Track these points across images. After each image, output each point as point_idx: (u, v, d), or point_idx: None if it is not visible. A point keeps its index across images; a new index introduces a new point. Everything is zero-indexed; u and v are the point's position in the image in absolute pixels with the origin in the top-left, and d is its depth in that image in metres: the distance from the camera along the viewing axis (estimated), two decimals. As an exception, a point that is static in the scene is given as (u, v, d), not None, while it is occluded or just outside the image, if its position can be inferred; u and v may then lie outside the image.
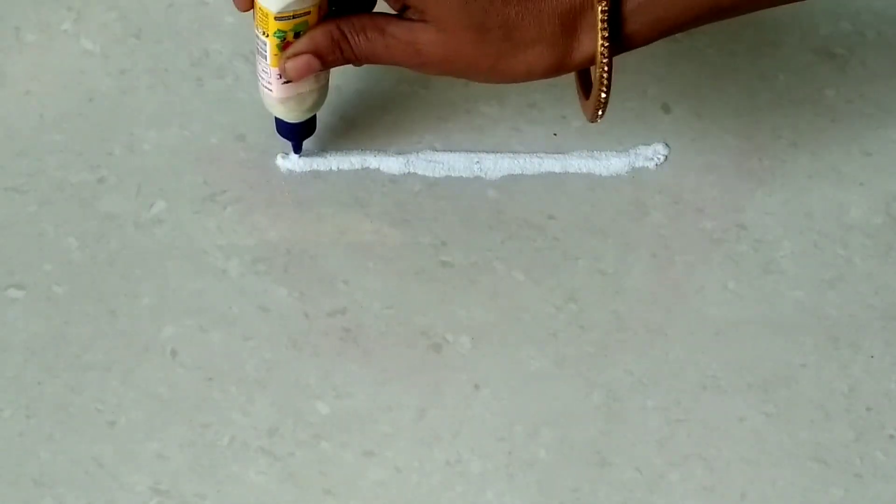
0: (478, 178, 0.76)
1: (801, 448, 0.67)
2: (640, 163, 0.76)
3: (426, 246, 0.73)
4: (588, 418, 0.67)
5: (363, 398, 0.68)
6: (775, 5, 0.68)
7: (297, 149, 0.75)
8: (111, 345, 0.69)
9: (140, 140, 0.76)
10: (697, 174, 0.76)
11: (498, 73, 0.66)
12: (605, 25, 0.63)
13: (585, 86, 0.68)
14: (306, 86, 0.70)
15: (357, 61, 0.68)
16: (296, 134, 0.74)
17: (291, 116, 0.72)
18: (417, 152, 0.76)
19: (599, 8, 0.63)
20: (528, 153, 0.76)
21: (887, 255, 0.73)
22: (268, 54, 0.68)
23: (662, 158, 0.77)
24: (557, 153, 0.76)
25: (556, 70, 0.66)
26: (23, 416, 0.66)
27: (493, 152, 0.76)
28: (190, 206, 0.74)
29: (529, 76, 0.66)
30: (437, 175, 0.75)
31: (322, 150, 0.76)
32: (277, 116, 0.72)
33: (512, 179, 0.75)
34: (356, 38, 0.66)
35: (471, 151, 0.76)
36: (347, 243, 0.73)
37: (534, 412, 0.67)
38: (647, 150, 0.77)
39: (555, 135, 0.77)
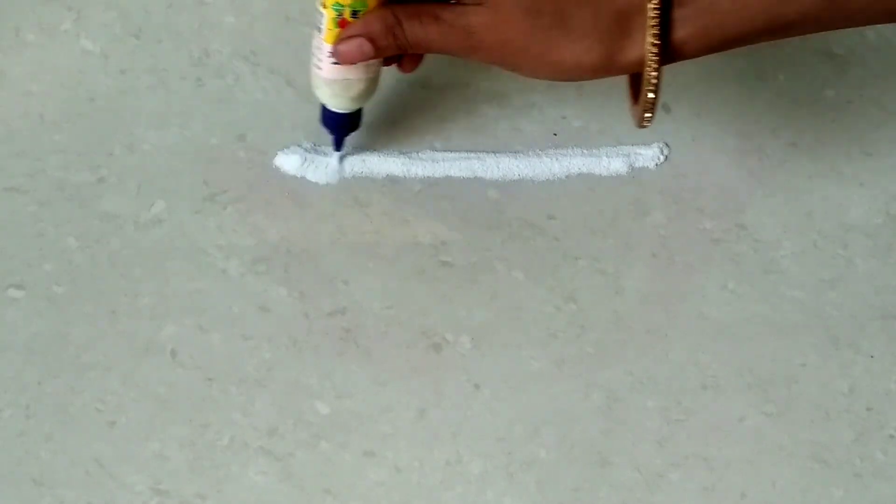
0: (478, 178, 0.76)
1: (801, 448, 0.67)
2: (640, 163, 0.76)
3: (426, 246, 0.73)
4: (588, 418, 0.67)
5: (363, 398, 0.68)
6: (841, 27, 0.66)
7: (339, 145, 0.74)
8: (111, 345, 0.69)
9: (140, 140, 0.76)
10: (697, 174, 0.76)
11: (547, 64, 0.65)
12: (655, 24, 0.63)
13: (636, 91, 0.67)
14: (356, 73, 0.69)
15: (409, 49, 0.67)
16: (338, 125, 0.73)
17: (336, 103, 0.71)
18: (417, 152, 0.76)
19: (650, 6, 0.62)
20: (528, 153, 0.76)
21: (887, 255, 0.73)
22: (323, 27, 0.68)
23: (662, 158, 0.77)
24: (557, 153, 0.76)
25: (604, 68, 0.65)
26: (23, 416, 0.66)
27: (493, 152, 0.76)
28: (190, 206, 0.74)
29: (577, 71, 0.65)
30: (437, 175, 0.75)
31: (322, 150, 0.76)
32: (323, 102, 0.71)
33: (512, 179, 0.75)
34: (411, 24, 0.66)
35: (471, 151, 0.76)
36: (347, 243, 0.73)
37: (534, 412, 0.67)
38: (647, 150, 0.77)
39: (555, 135, 0.77)
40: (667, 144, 0.77)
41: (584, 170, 0.76)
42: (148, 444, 0.66)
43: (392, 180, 0.75)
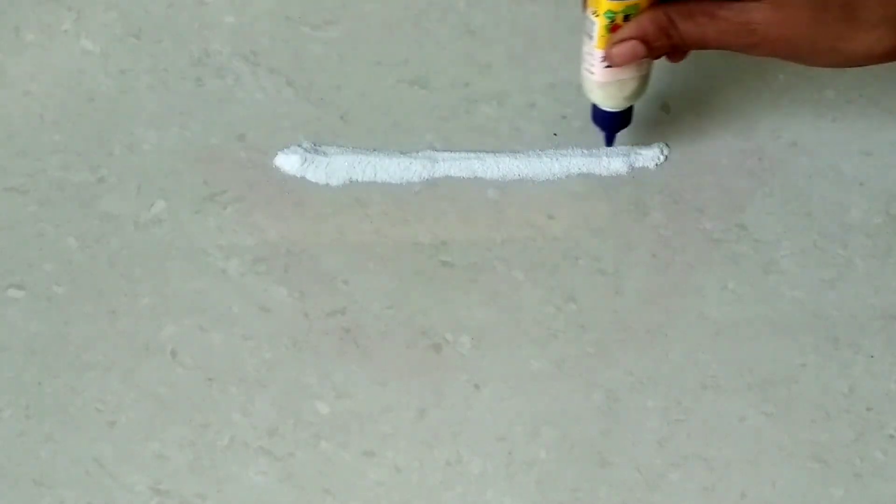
0: (478, 178, 0.75)
1: (801, 448, 0.67)
2: (640, 163, 0.76)
3: (426, 246, 0.73)
4: (588, 418, 0.67)
5: (363, 398, 0.68)
6: None
7: (610, 141, 0.74)
8: (111, 345, 0.69)
9: (140, 140, 0.76)
10: (697, 174, 0.76)
11: (836, 55, 0.66)
12: None
13: None
14: (628, 73, 0.69)
15: (683, 47, 0.68)
16: (611, 123, 0.73)
17: (609, 103, 0.71)
18: (417, 152, 0.76)
19: None
20: (528, 153, 0.76)
21: (887, 255, 0.73)
22: (595, 35, 0.68)
23: (662, 158, 0.77)
24: (557, 153, 0.76)
25: (895, 54, 0.65)
26: (23, 416, 0.67)
27: (493, 152, 0.76)
28: (190, 206, 0.74)
29: (868, 59, 0.66)
30: (437, 175, 0.75)
31: (322, 150, 0.76)
32: (595, 103, 0.72)
33: (512, 179, 0.75)
34: (685, 24, 0.66)
35: (471, 151, 0.76)
36: (347, 243, 0.73)
37: (534, 412, 0.67)
38: (647, 150, 0.77)
39: (555, 135, 0.77)
40: (667, 144, 0.77)
41: (584, 170, 0.76)
42: (148, 444, 0.66)
43: (392, 180, 0.75)
